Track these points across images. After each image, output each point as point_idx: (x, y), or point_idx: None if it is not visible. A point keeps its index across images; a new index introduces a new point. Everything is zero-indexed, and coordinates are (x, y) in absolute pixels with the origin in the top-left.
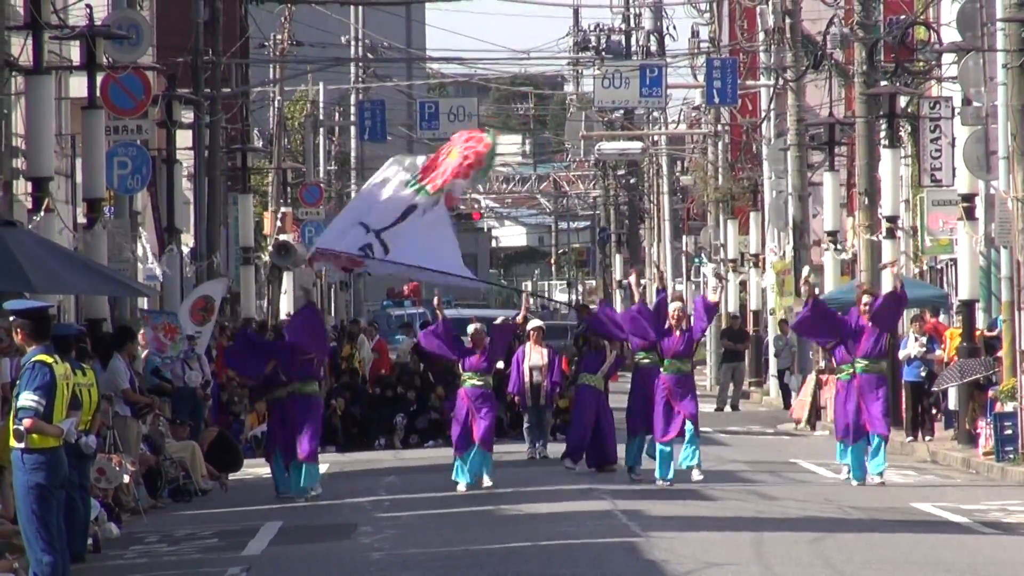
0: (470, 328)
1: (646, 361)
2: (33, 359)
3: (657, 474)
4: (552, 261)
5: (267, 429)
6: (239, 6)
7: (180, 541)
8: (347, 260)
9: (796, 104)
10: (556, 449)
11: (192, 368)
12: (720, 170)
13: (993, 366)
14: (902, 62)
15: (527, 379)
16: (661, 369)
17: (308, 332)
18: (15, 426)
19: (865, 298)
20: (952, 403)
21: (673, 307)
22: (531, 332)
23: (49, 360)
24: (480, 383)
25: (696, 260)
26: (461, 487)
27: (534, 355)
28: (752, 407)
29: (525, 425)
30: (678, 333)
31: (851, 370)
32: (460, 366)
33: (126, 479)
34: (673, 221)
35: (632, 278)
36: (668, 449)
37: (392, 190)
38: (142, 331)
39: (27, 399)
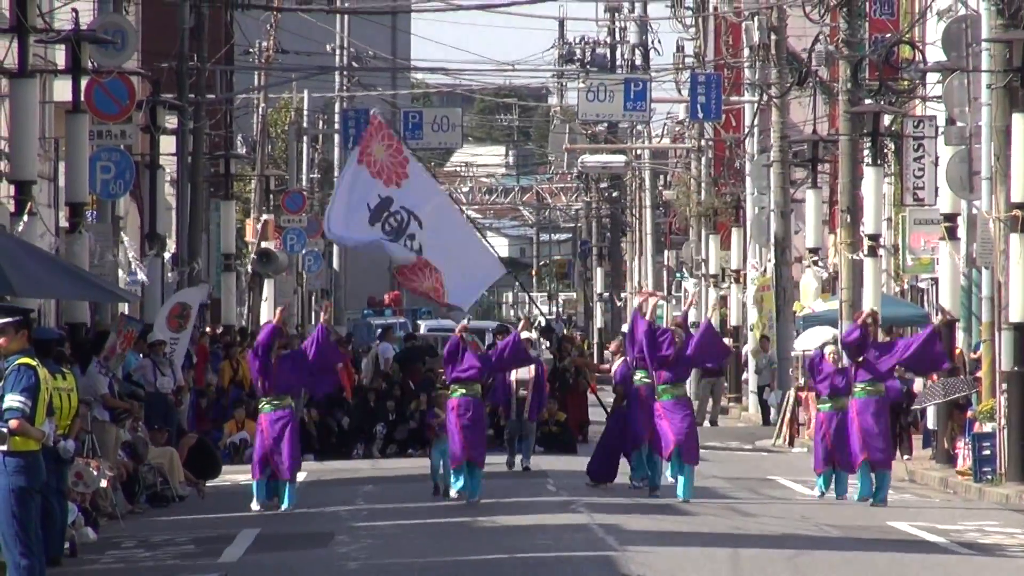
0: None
1: (647, 381)
2: (17, 362)
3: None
4: (533, 273)
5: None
6: (225, 13)
7: (157, 547)
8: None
9: (780, 120)
10: (538, 461)
11: (164, 374)
12: (703, 185)
13: (975, 385)
14: (886, 80)
15: (513, 390)
16: (656, 395)
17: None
18: None
19: (866, 319)
20: (931, 422)
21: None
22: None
23: (33, 363)
24: (469, 393)
25: (678, 275)
26: (452, 493)
27: (521, 368)
28: (731, 423)
29: (506, 435)
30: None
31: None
32: (446, 376)
33: (104, 484)
34: (655, 235)
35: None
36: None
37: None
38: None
39: (14, 400)
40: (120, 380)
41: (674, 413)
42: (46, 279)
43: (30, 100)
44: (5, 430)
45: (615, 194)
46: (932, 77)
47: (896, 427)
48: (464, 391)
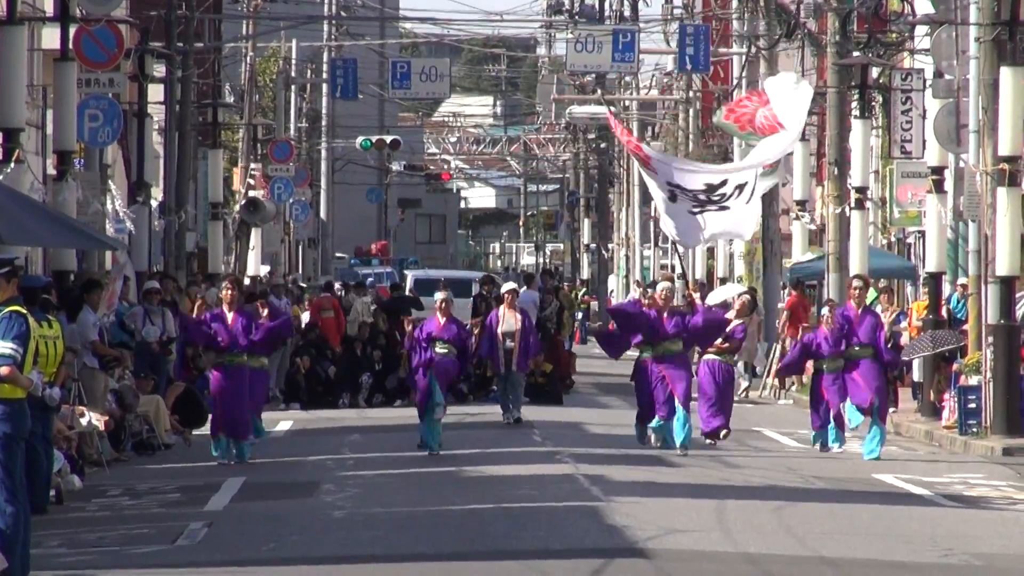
0: (437, 295)
1: (646, 355)
2: (8, 309)
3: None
4: (520, 223)
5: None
6: None
7: (143, 495)
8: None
9: (768, 72)
10: (524, 412)
11: (154, 323)
12: (691, 137)
13: (962, 338)
14: (875, 33)
15: (500, 342)
16: (650, 355)
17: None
18: None
19: (855, 283)
20: (917, 375)
21: (662, 287)
22: (505, 295)
23: (24, 311)
24: (443, 351)
25: None
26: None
27: (508, 320)
28: None
29: (496, 389)
30: (665, 316)
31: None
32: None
33: (101, 426)
34: (642, 186)
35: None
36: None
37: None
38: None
39: (5, 347)
40: (109, 328)
41: (675, 370)
42: (33, 227)
43: (18, 48)
44: None
45: (603, 145)
46: (920, 30)
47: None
48: (441, 349)
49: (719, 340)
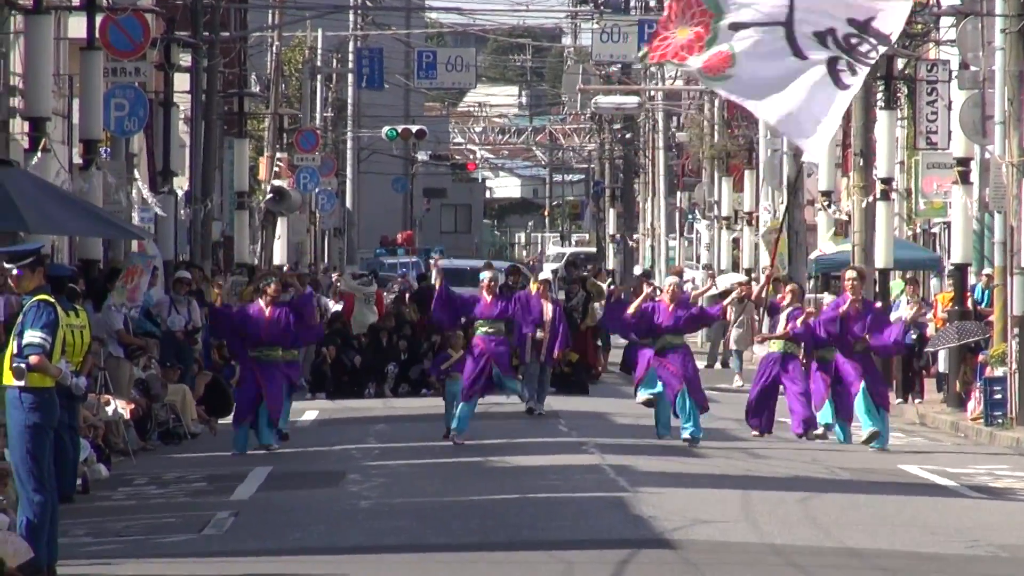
0: (484, 275)
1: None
2: (36, 298)
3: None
4: (546, 213)
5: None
6: None
7: (169, 484)
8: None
9: None
10: (550, 402)
11: (179, 312)
12: (716, 127)
13: (988, 330)
14: None
15: (530, 332)
16: (654, 350)
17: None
18: (16, 363)
19: (849, 274)
20: (943, 366)
21: (670, 281)
22: (539, 285)
23: (52, 300)
24: (492, 330)
25: (690, 216)
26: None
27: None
28: (743, 365)
29: (523, 378)
30: (670, 308)
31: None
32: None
33: (127, 414)
34: (668, 177)
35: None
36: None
37: None
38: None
39: (35, 336)
40: (134, 319)
41: (679, 358)
42: (60, 216)
43: (45, 37)
44: (24, 365)
45: (628, 135)
46: (946, 21)
47: (908, 371)
48: (489, 329)
49: (780, 326)
